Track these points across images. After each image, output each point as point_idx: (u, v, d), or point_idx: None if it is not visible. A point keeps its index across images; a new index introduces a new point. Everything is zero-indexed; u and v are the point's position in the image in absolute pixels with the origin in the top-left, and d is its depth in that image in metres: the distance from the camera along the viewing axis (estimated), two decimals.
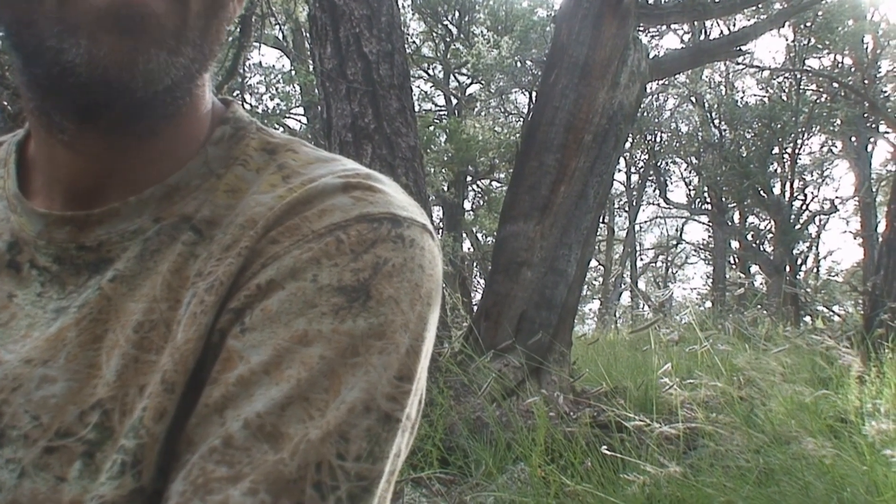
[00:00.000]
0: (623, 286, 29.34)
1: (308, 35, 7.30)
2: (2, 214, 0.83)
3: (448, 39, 22.79)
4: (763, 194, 21.58)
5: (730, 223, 24.29)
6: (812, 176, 23.98)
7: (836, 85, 20.77)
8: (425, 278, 0.74)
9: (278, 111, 19.42)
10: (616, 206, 29.40)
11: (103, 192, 0.79)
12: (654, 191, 27.87)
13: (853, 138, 22.06)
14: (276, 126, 19.50)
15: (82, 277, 0.76)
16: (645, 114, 22.01)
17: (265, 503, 0.60)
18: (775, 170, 22.19)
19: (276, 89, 18.82)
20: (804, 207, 23.01)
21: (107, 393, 0.69)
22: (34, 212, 0.79)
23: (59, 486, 0.67)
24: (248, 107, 18.21)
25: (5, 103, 14.69)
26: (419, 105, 23.04)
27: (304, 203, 0.75)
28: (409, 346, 0.70)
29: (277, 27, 18.30)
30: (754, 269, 24.28)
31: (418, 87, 24.19)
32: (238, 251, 0.73)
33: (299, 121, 21.91)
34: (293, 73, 16.48)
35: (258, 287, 0.70)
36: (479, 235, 24.74)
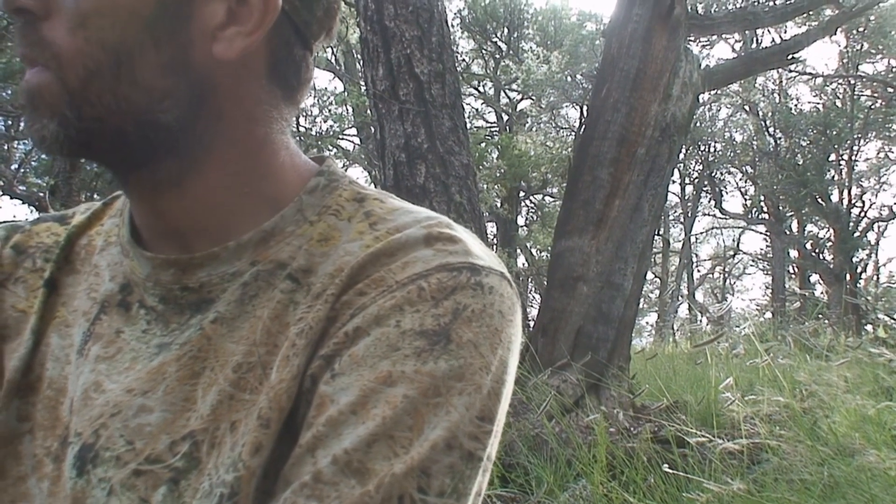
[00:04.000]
0: (680, 298, 29.06)
1: (359, 57, 7.34)
2: (116, 259, 0.91)
3: (498, 56, 22.84)
4: (821, 202, 21.27)
5: (788, 232, 23.97)
6: (869, 182, 23.61)
7: (890, 90, 20.46)
8: (504, 323, 0.77)
9: (332, 133, 19.58)
10: (671, 217, 29.17)
11: (195, 237, 0.86)
12: (709, 201, 27.62)
13: None
14: (330, 147, 19.65)
15: (185, 316, 0.83)
16: (698, 124, 21.85)
17: None
18: (832, 177, 21.86)
19: (329, 111, 18.98)
20: (862, 214, 22.66)
21: (199, 425, 0.76)
22: (143, 255, 0.86)
23: None
24: (302, 129, 18.38)
25: None
26: (470, 122, 23.07)
27: (387, 255, 0.79)
28: (490, 388, 0.73)
29: (329, 50, 18.46)
30: (814, 278, 23.92)
31: (469, 104, 24.25)
32: (325, 298, 0.78)
33: (352, 142, 22.09)
34: (346, 94, 16.60)
35: (346, 335, 0.74)
36: (534, 251, 24.70)
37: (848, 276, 20.48)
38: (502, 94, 23.85)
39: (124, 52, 0.77)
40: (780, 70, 21.07)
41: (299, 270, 0.82)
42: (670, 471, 3.32)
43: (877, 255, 25.61)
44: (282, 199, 0.87)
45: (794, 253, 24.69)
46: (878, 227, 24.16)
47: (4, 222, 1.01)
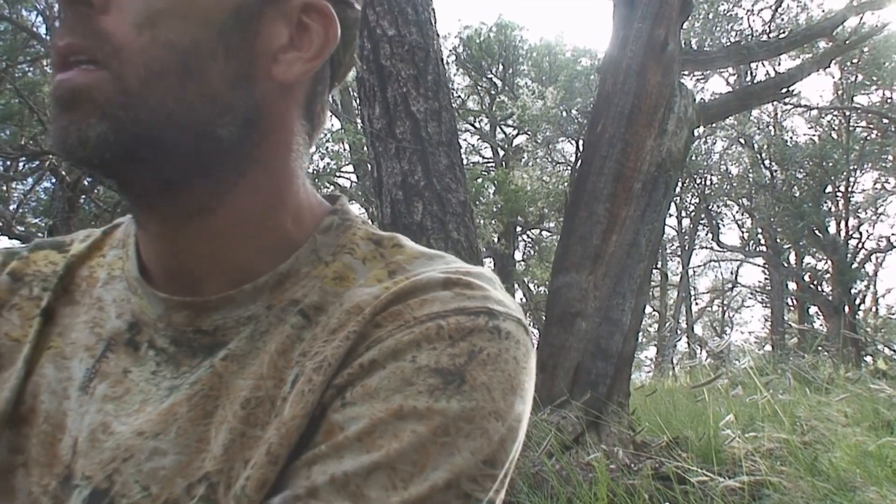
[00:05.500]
0: (679, 332, 29.01)
1: (356, 95, 7.38)
2: (122, 295, 0.88)
3: (493, 92, 22.99)
4: (818, 234, 21.31)
5: (786, 264, 23.99)
6: (866, 213, 23.65)
7: (885, 121, 20.56)
8: (519, 370, 0.76)
9: (329, 170, 19.64)
10: (668, 250, 29.19)
11: (210, 277, 0.84)
12: (706, 234, 27.67)
13: None
14: (328, 185, 19.70)
15: (197, 359, 0.81)
16: (694, 157, 21.91)
17: None
18: (829, 209, 21.92)
19: (327, 149, 19.05)
20: (860, 246, 22.69)
21: (213, 466, 0.73)
22: (155, 296, 0.84)
23: None
24: None
25: (64, 173, 15.01)
26: (466, 158, 23.18)
27: (407, 293, 0.78)
28: (499, 435, 0.72)
29: None
30: (813, 310, 23.90)
31: (465, 139, 24.37)
32: (346, 334, 0.76)
33: (349, 179, 22.13)
34: (343, 132, 16.65)
35: (361, 366, 0.73)
36: (531, 286, 24.71)
37: (847, 308, 20.46)
38: (498, 129, 23.98)
39: (195, 56, 0.75)
40: (775, 103, 21.17)
41: (311, 307, 0.81)
42: None
43: (875, 286, 25.62)
44: (298, 237, 0.86)
45: (792, 285, 24.69)
46: (876, 258, 24.19)
47: (1, 249, 0.98)
